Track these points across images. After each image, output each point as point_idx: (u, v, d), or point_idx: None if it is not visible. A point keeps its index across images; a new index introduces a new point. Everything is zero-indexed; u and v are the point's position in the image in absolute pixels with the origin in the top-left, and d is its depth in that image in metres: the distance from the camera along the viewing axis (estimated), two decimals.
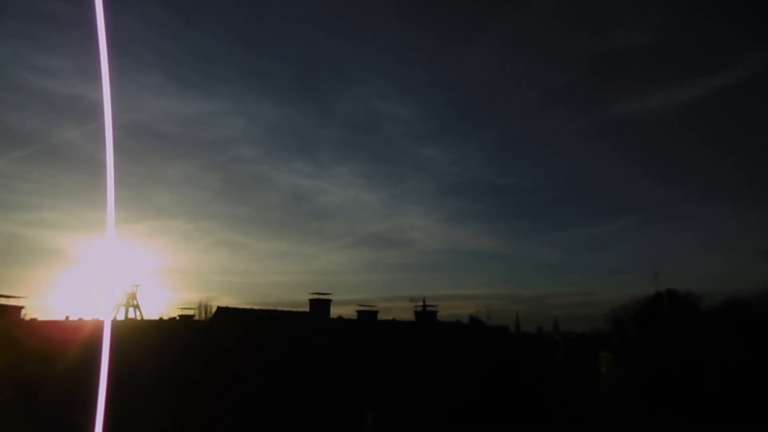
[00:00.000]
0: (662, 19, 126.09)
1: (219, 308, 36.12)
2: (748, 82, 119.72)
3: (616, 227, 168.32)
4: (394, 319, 45.92)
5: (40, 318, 45.33)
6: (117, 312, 62.68)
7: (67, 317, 49.39)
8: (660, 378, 36.61)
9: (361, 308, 41.83)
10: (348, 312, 60.54)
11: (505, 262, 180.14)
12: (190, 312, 48.48)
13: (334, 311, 40.73)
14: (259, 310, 36.94)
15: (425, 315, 43.90)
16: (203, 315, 57.41)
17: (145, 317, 64.11)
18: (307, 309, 39.05)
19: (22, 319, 38.68)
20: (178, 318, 47.84)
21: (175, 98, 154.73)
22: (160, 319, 54.28)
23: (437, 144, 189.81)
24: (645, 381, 37.08)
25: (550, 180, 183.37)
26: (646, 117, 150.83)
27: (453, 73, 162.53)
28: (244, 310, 36.40)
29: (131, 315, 65.35)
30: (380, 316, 42.56)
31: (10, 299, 35.93)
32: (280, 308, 37.88)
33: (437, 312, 44.78)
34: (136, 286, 66.28)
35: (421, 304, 44.31)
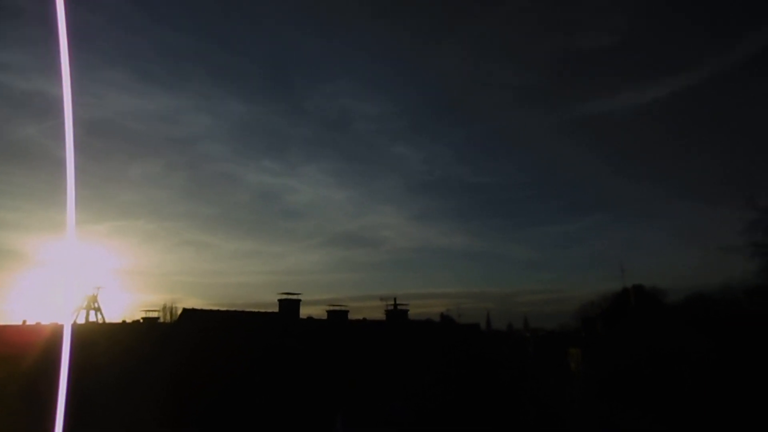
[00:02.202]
0: (628, 21, 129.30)
1: (185, 310, 35.76)
2: (711, 81, 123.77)
3: (585, 224, 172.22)
4: (364, 319, 46.23)
5: None
6: (77, 315, 61.04)
7: (24, 321, 48.13)
8: (629, 374, 37.30)
9: (332, 308, 41.95)
10: (318, 312, 60.33)
11: (475, 260, 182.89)
12: (155, 314, 47.58)
13: (304, 311, 41.11)
14: (227, 311, 36.79)
15: (396, 314, 44.13)
16: (168, 317, 56.45)
17: (107, 320, 62.58)
18: (276, 309, 38.84)
19: None
20: (141, 321, 46.89)
21: (139, 95, 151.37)
22: (123, 322, 53.22)
23: (408, 142, 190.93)
24: (614, 378, 37.74)
25: (521, 178, 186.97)
26: (614, 115, 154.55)
27: (424, 71, 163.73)
28: (210, 311, 36.17)
29: (92, 318, 63.66)
30: (351, 316, 42.79)
31: None
32: (248, 309, 37.84)
33: (408, 311, 45.29)
34: (98, 288, 64.68)
35: (392, 303, 44.61)
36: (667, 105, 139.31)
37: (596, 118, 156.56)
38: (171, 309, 59.45)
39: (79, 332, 39.39)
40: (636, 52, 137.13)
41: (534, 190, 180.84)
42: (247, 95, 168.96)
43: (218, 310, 36.55)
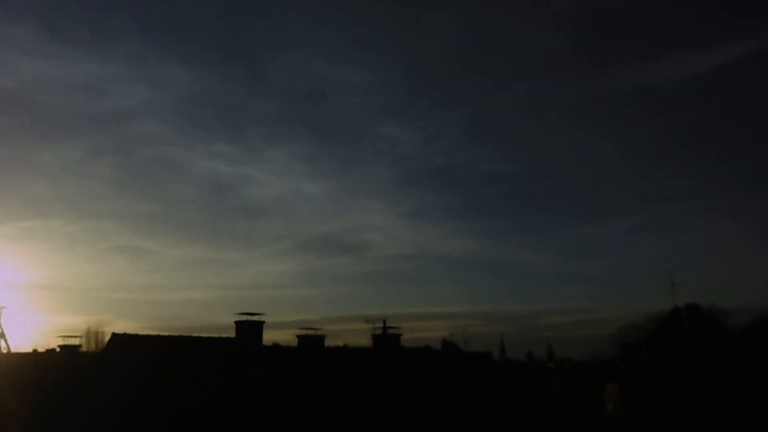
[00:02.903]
0: None
1: (114, 335, 35.79)
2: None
3: (625, 226, 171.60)
4: (345, 346, 46.14)
5: None
6: None
7: None
8: (680, 416, 37.55)
9: (303, 332, 41.92)
10: (286, 337, 59.99)
11: (486, 271, 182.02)
12: (75, 341, 47.22)
13: (268, 336, 40.71)
14: (169, 336, 37.02)
15: (386, 339, 44.26)
16: (93, 345, 56.07)
17: (13, 350, 62.05)
18: (232, 334, 38.91)
19: None
20: (58, 349, 46.57)
21: (53, 58, 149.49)
22: (34, 351, 52.84)
23: (401, 120, 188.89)
24: (661, 420, 37.98)
25: (542, 168, 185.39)
26: (660, 88, 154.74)
27: (420, 30, 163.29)
28: (147, 337, 36.37)
29: None
30: (328, 342, 42.90)
31: None
32: (196, 334, 37.96)
33: (401, 336, 45.04)
34: (1, 308, 64.08)
35: (381, 326, 44.37)
36: (728, 75, 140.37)
37: (637, 92, 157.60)
38: (96, 335, 58.96)
39: None
40: (678, 14, 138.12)
41: (559, 183, 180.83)
42: (193, 59, 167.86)
43: (158, 336, 36.85)
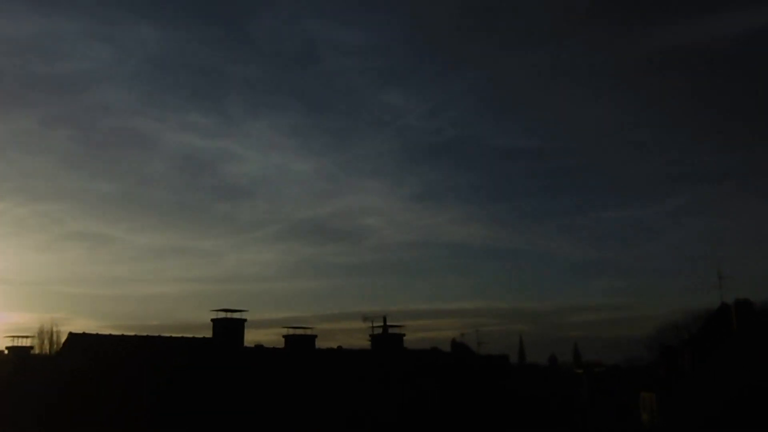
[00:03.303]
0: None
1: (71, 335, 35.98)
2: None
3: (663, 209, 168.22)
4: (339, 348, 46.07)
5: None
6: None
7: None
8: (727, 428, 37.33)
9: (291, 332, 41.99)
10: (271, 338, 60.05)
11: (502, 262, 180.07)
12: (26, 342, 47.06)
13: (251, 337, 40.88)
14: (134, 337, 37.04)
15: (386, 340, 44.45)
16: (47, 346, 55.84)
17: None
18: (209, 334, 39.19)
19: None
20: (6, 351, 46.52)
21: None
22: None
23: (403, 87, 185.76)
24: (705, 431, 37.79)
25: (569, 141, 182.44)
26: (708, 46, 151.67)
27: None
28: (109, 337, 36.44)
29: None
30: (320, 343, 42.94)
31: None
32: (166, 334, 38.27)
33: (404, 336, 45.29)
34: None
35: (380, 324, 44.78)
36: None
37: (676, 54, 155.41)
38: (51, 334, 58.64)
39: None
40: None
41: (586, 160, 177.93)
42: (163, 16, 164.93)
43: (121, 336, 36.77)
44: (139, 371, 32.39)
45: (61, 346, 37.08)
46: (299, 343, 41.73)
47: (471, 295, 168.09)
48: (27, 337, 47.08)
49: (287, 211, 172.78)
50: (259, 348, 41.43)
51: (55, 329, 55.62)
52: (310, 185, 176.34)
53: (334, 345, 47.16)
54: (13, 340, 46.06)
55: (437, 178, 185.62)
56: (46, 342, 55.34)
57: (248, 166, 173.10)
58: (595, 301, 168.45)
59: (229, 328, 38.97)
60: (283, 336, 42.50)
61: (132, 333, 37.06)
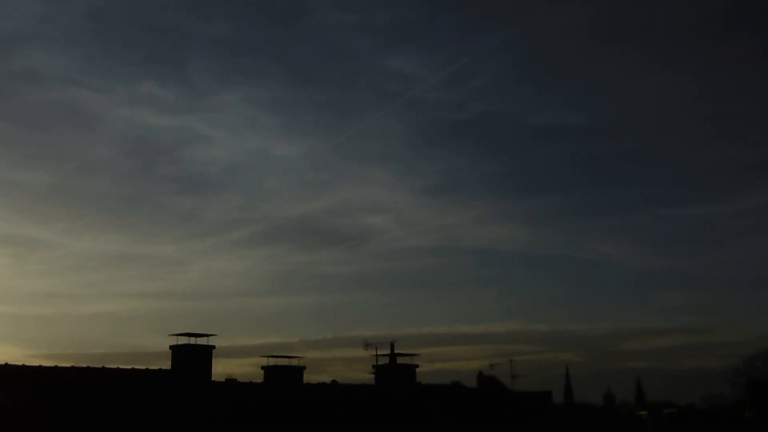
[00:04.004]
0: None
1: None
2: None
3: (743, 206, 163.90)
4: (334, 382, 45.74)
5: None
6: None
7: None
8: None
9: (273, 361, 42.10)
10: (247, 369, 59.30)
11: (542, 272, 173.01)
12: None
13: (220, 368, 41.66)
14: (72, 369, 36.61)
15: (394, 372, 44.81)
16: None
17: None
18: (167, 364, 39.15)
19: None
20: None
21: None
22: None
23: (415, 49, 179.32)
24: None
25: (621, 119, 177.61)
26: None
27: None
28: (39, 369, 36.05)
29: None
30: (309, 376, 42.84)
31: None
32: (112, 365, 37.74)
33: (417, 367, 45.44)
34: None
35: (387, 352, 45.18)
36: None
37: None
38: None
39: None
40: None
41: (646, 141, 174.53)
42: None
43: (54, 368, 36.39)
44: (77, 413, 32.39)
45: None
46: (283, 377, 41.49)
47: (503, 314, 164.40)
48: None
49: (268, 207, 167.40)
50: (231, 383, 40.91)
51: None
52: (297, 174, 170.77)
53: (327, 379, 46.31)
54: None
55: (459, 165, 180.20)
56: None
57: (217, 151, 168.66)
58: (661, 323, 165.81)
59: (192, 357, 38.64)
60: (262, 367, 42.29)
61: (68, 364, 36.43)
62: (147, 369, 38.29)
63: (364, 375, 47.27)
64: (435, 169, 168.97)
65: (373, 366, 45.64)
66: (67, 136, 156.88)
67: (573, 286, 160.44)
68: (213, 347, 39.61)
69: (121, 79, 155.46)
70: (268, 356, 42.42)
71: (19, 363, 35.97)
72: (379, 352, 45.50)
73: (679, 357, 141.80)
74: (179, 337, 39.00)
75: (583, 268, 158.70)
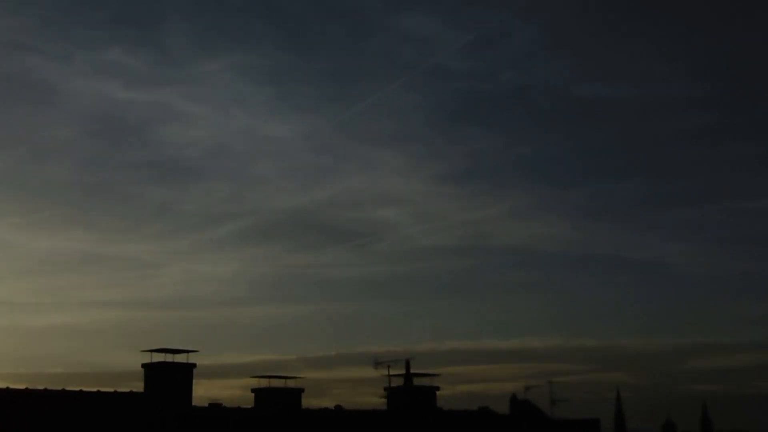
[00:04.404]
0: None
1: None
2: None
3: None
4: (339, 408, 45.59)
5: None
6: None
7: None
8: None
9: (265, 383, 42.37)
10: (234, 392, 58.34)
11: (590, 276, 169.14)
12: None
13: (203, 391, 41.71)
14: (25, 392, 36.24)
15: (411, 396, 44.98)
16: None
17: None
18: (139, 386, 39.13)
19: None
20: None
21: None
22: None
23: (435, 6, 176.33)
24: None
25: (693, 89, 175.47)
26: None
27: None
28: None
29: None
30: (308, 400, 42.99)
31: None
32: (74, 388, 37.49)
33: (438, 389, 45.89)
34: None
35: (401, 372, 45.61)
36: None
37: None
38: None
39: None
40: None
41: (727, 115, 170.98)
42: None
43: (4, 390, 35.73)
44: None
45: None
46: (277, 401, 41.25)
47: (541, 327, 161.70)
48: None
49: (259, 198, 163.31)
50: (215, 408, 40.55)
51: None
52: (294, 159, 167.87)
53: (330, 404, 46.08)
54: None
55: (489, 146, 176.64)
56: None
57: (198, 131, 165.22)
58: (733, 338, 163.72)
59: (169, 377, 38.41)
60: (252, 390, 42.32)
61: (21, 386, 36.09)
62: (115, 392, 38.00)
63: (373, 399, 47.26)
64: (460, 151, 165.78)
65: (385, 388, 45.81)
66: (18, 114, 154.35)
67: (626, 293, 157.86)
68: (194, 366, 39.26)
69: (82, 44, 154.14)
70: (259, 377, 42.36)
71: None
72: (392, 372, 45.73)
73: (753, 379, 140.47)
74: (154, 353, 38.67)
75: (639, 272, 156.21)
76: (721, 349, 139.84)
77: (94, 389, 37.50)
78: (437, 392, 45.68)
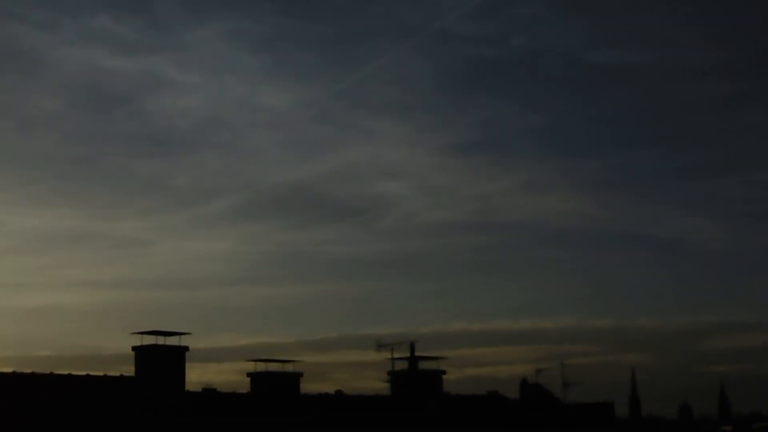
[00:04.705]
0: None
1: None
2: None
3: None
4: (339, 393, 46.06)
5: None
6: None
7: None
8: None
9: (261, 367, 42.21)
10: (229, 377, 57.96)
11: (605, 253, 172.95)
12: None
13: (196, 375, 42.75)
14: (12, 375, 35.88)
15: (415, 380, 44.71)
16: None
17: None
18: (129, 370, 39.12)
19: None
20: None
21: None
22: None
23: None
24: None
25: (719, 54, 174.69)
26: None
27: None
28: None
29: None
30: (307, 385, 43.26)
31: None
32: (62, 371, 37.35)
33: (444, 373, 46.16)
34: None
35: (406, 355, 45.40)
36: None
37: None
38: None
39: None
40: None
41: (753, 81, 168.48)
42: None
43: None
44: (18, 429, 32.34)
45: None
46: (274, 386, 41.05)
47: (554, 307, 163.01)
48: None
49: (253, 172, 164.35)
50: (209, 393, 40.39)
51: None
52: (290, 130, 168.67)
53: (330, 389, 46.08)
54: None
55: (499, 116, 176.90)
56: None
57: (189, 100, 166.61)
58: (752, 317, 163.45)
59: (161, 360, 37.91)
60: (249, 374, 42.11)
61: (8, 369, 35.76)
62: (105, 375, 37.99)
63: (376, 384, 47.59)
64: (468, 121, 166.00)
65: (388, 372, 45.44)
66: (2, 84, 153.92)
67: (641, 270, 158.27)
68: (186, 349, 38.92)
69: (68, 10, 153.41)
70: (255, 360, 42.07)
71: None
72: (395, 356, 45.09)
73: None
74: (144, 336, 38.21)
75: (654, 249, 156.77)
76: (741, 328, 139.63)
77: (84, 373, 37.34)
78: (443, 376, 45.81)
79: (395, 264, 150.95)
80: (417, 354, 45.22)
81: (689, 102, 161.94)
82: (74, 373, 37.00)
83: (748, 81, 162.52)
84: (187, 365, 38.66)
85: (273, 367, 41.71)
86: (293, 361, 42.53)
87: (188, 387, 38.76)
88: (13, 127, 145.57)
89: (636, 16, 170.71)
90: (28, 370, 36.19)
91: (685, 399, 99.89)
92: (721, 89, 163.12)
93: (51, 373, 36.38)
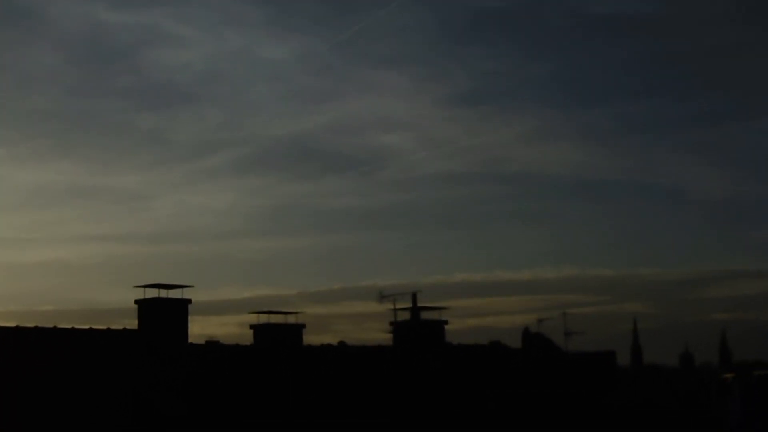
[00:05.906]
0: None
1: None
2: None
3: None
4: (342, 344, 45.92)
5: None
6: None
7: None
8: None
9: (264, 319, 41.98)
10: (231, 329, 58.40)
11: (604, 203, 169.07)
12: None
13: (198, 327, 40.86)
14: (15, 329, 35.94)
15: (418, 331, 44.50)
16: None
17: None
18: (133, 323, 38.89)
19: None
20: None
21: None
22: None
23: None
24: None
25: (715, 6, 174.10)
26: None
27: None
28: None
29: None
30: (310, 337, 42.87)
31: None
32: (65, 325, 37.43)
33: (446, 323, 45.69)
34: None
35: (408, 306, 45.13)
36: None
37: None
38: None
39: None
40: None
41: (744, 34, 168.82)
42: None
43: None
44: (22, 383, 32.42)
45: None
46: (277, 338, 41.11)
47: (554, 257, 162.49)
48: None
49: (254, 125, 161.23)
50: (212, 345, 40.67)
51: None
52: (291, 82, 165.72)
53: (332, 340, 45.99)
54: None
55: (498, 66, 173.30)
56: None
57: (189, 53, 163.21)
58: (753, 264, 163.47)
59: (164, 313, 38.08)
60: (251, 326, 42.04)
61: (11, 324, 35.76)
62: (108, 329, 37.86)
63: (379, 335, 47.02)
64: (467, 72, 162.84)
65: (391, 323, 45.17)
66: (1, 40, 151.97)
67: (642, 220, 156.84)
68: (189, 301, 38.88)
69: None
70: (258, 312, 41.86)
71: None
72: (397, 306, 44.87)
73: None
74: (147, 289, 38.21)
75: (656, 198, 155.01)
76: (740, 276, 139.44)
77: (86, 326, 37.47)
78: (446, 326, 45.47)
79: (396, 215, 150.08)
80: (419, 305, 44.96)
81: (689, 51, 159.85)
82: (77, 326, 37.13)
83: (750, 28, 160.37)
84: (189, 318, 38.75)
85: (275, 319, 41.66)
86: (296, 312, 42.24)
87: (191, 339, 38.94)
88: (11, 84, 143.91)
89: None
90: (31, 325, 36.18)
91: (687, 347, 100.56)
92: (721, 36, 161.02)
93: (54, 327, 36.49)
